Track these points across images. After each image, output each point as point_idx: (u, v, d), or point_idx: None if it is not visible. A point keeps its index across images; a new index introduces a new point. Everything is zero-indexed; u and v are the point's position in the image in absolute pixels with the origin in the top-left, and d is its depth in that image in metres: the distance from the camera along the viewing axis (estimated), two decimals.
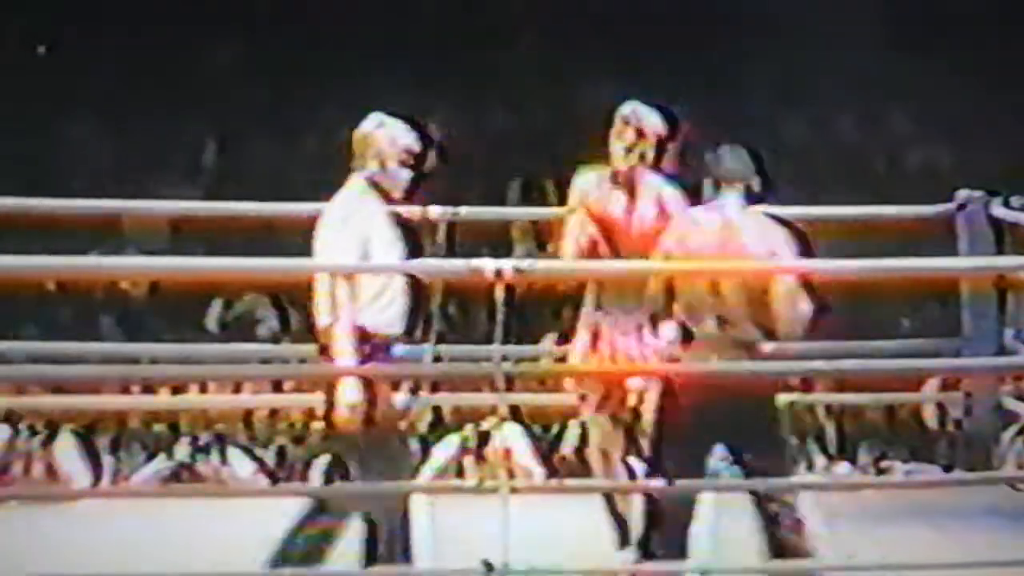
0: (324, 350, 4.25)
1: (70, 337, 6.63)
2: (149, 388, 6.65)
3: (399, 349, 4.35)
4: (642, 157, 4.74)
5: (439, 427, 7.48)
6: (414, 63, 9.07)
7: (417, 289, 4.38)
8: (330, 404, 4.18)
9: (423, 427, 7.57)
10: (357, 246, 4.28)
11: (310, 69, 9.10)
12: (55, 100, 9.06)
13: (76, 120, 9.20)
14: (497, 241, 7.88)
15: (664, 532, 4.43)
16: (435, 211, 5.78)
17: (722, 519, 4.52)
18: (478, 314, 7.95)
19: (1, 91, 8.86)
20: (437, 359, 5.72)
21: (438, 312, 5.97)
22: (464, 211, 5.89)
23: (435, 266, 4.85)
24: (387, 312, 4.28)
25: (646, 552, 4.44)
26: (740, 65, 9.09)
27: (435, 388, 6.95)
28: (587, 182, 4.80)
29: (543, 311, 7.97)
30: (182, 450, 6.97)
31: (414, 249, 4.43)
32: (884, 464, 7.40)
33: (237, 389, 7.14)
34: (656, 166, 4.78)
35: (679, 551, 4.38)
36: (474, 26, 9.36)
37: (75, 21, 9.20)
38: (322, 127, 8.54)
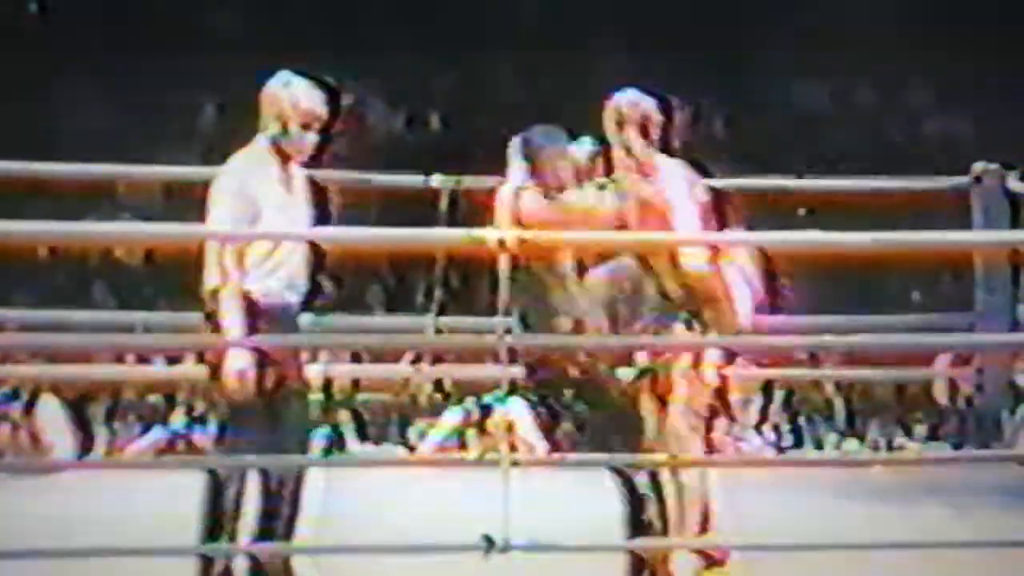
0: (210, 316, 4.17)
1: (63, 304, 6.51)
2: (144, 358, 6.55)
3: (304, 317, 4.31)
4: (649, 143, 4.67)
5: (441, 399, 7.40)
6: (418, 29, 8.93)
7: (315, 255, 4.28)
8: (216, 369, 4.11)
9: (423, 399, 7.49)
10: (246, 209, 4.18)
11: (311, 33, 8.96)
12: (48, 61, 8.91)
13: (70, 82, 9.06)
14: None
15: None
16: (437, 180, 5.68)
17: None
18: (481, 285, 7.84)
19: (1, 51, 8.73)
20: (439, 331, 5.62)
21: (440, 283, 5.87)
22: (467, 180, 5.78)
23: (436, 235, 4.76)
24: (274, 276, 4.21)
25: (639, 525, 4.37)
26: (758, 36, 8.95)
27: (437, 360, 6.86)
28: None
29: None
30: (178, 420, 6.88)
31: (320, 215, 4.34)
32: (897, 442, 7.33)
33: None
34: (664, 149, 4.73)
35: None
36: None
37: None
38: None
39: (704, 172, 4.67)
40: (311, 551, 4.08)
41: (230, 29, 9.39)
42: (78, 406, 6.45)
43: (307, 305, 4.32)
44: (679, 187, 4.57)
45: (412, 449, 7.35)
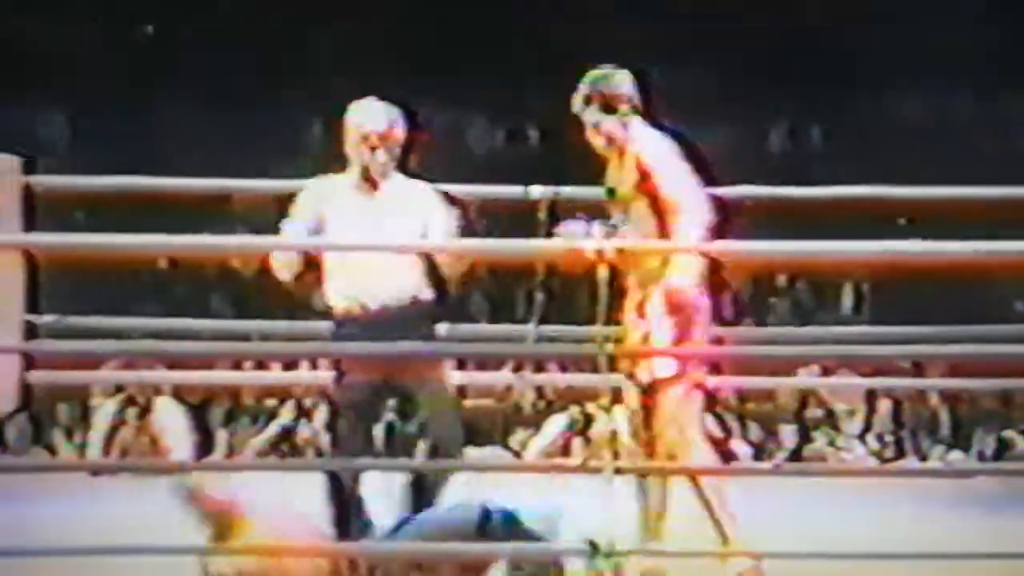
0: None
1: (183, 314, 6.75)
2: (261, 364, 6.76)
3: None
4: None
5: (543, 407, 7.49)
6: (518, 45, 9.07)
7: (430, 267, 4.46)
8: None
9: (527, 406, 7.60)
10: (309, 223, 4.50)
11: (411, 50, 9.14)
12: (162, 79, 9.21)
13: (183, 99, 9.35)
14: (599, 220, 7.85)
15: None
16: (536, 191, 5.80)
17: None
18: (581, 295, 7.94)
19: (110, 70, 9.03)
20: (540, 340, 5.73)
21: (540, 292, 5.98)
22: (566, 191, 5.89)
23: (536, 246, 4.87)
24: (351, 284, 4.42)
25: None
26: (850, 44, 8.96)
27: (539, 368, 6.96)
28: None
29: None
30: (286, 416, 7.06)
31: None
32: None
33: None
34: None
35: None
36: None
37: (181, 0, 9.34)
38: (428, 108, 8.59)
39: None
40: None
41: (334, 47, 9.62)
42: (198, 411, 6.67)
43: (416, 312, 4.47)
44: (658, 152, 4.40)
45: (517, 455, 7.47)
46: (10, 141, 7.88)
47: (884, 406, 7.92)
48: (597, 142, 4.56)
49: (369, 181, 4.55)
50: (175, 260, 7.88)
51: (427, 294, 4.51)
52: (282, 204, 8.45)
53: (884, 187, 6.03)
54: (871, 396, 7.83)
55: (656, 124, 4.56)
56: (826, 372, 7.64)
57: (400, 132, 4.56)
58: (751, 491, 4.56)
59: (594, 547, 4.05)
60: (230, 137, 9.22)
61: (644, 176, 4.44)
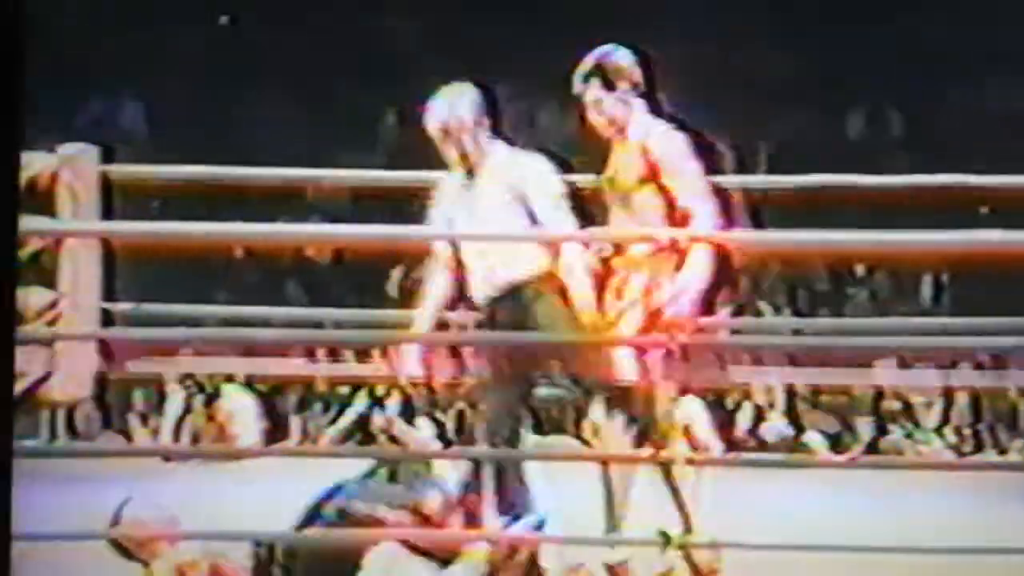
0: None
1: (257, 302, 6.81)
2: (334, 352, 6.80)
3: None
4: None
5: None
6: (589, 28, 9.01)
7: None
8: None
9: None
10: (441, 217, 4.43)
11: (488, 41, 9.13)
12: (238, 70, 9.28)
13: (258, 90, 9.42)
14: None
15: None
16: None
17: None
18: None
19: (185, 60, 9.11)
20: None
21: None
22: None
23: (601, 234, 4.80)
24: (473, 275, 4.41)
25: None
26: (940, 30, 8.76)
27: None
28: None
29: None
30: (361, 402, 7.10)
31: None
32: None
33: None
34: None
35: None
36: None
37: None
38: (503, 97, 8.57)
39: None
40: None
41: (409, 36, 9.63)
42: (269, 398, 6.73)
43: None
44: (670, 150, 4.28)
45: (587, 444, 7.45)
46: (89, 131, 8.00)
47: (962, 399, 7.79)
48: (598, 122, 4.43)
49: (467, 170, 4.52)
50: (250, 249, 7.94)
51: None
52: (355, 193, 8.52)
53: (965, 175, 5.91)
54: (948, 389, 7.71)
55: (659, 110, 4.43)
56: (903, 364, 7.53)
57: (469, 118, 4.50)
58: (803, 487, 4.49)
59: (666, 538, 4.02)
60: (305, 127, 9.28)
61: (653, 172, 4.34)
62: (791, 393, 7.72)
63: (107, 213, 6.03)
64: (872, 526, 4.58)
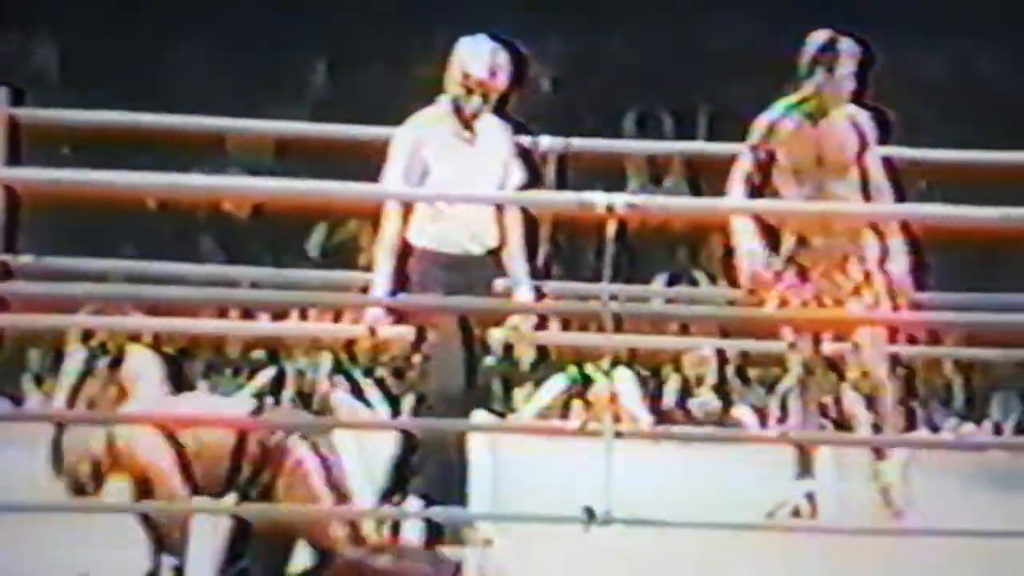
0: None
1: (170, 258, 6.56)
2: (249, 313, 6.57)
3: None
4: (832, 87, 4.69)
5: (544, 366, 7.32)
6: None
7: (527, 219, 4.46)
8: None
9: (526, 364, 7.43)
10: (414, 167, 4.36)
11: None
12: (166, 16, 8.98)
13: (185, 37, 9.12)
14: (610, 175, 7.65)
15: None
16: (546, 142, 5.58)
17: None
18: (587, 251, 7.73)
19: (113, 6, 8.80)
20: (542, 295, 5.53)
21: (547, 246, 5.77)
22: (576, 143, 5.67)
23: (544, 199, 4.69)
24: (452, 226, 4.35)
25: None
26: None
27: (540, 325, 6.76)
28: (775, 116, 4.74)
29: (655, 250, 7.75)
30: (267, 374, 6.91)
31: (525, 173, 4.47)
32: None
33: (337, 318, 7.04)
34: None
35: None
36: None
37: None
38: (433, 51, 8.34)
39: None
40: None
41: None
42: (176, 361, 6.46)
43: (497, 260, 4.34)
44: (874, 136, 4.65)
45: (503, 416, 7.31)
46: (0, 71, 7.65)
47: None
48: (815, 87, 4.74)
49: (463, 121, 4.40)
50: (164, 202, 7.66)
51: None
52: (278, 147, 8.24)
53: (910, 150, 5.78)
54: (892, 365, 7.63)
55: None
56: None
57: (503, 81, 4.41)
58: None
59: (590, 514, 3.88)
60: (228, 75, 8.98)
61: (862, 146, 4.71)
62: (722, 364, 7.61)
63: (13, 159, 5.74)
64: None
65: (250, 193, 6.48)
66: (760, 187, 4.70)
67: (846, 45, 4.73)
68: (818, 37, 4.76)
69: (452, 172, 4.38)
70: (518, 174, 4.51)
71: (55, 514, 3.86)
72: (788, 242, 4.75)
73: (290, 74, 9.15)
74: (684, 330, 6.98)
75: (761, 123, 4.77)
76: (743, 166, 4.73)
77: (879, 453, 4.62)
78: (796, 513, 4.52)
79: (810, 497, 4.56)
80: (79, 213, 6.26)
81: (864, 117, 4.78)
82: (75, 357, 6.10)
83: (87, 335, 6.44)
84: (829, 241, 4.66)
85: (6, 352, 6.20)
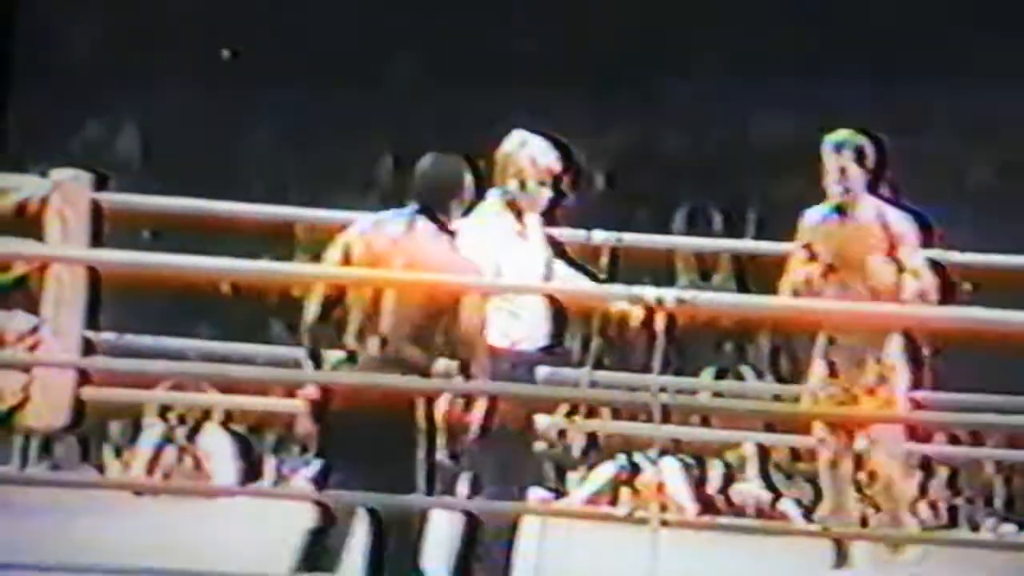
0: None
1: (242, 339, 6.78)
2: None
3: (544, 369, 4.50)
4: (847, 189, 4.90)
5: (594, 454, 7.44)
6: (590, 85, 9.06)
7: (553, 307, 4.49)
8: None
9: (576, 452, 7.55)
10: (490, 263, 4.38)
11: (486, 86, 9.17)
12: (238, 106, 9.30)
13: (257, 127, 9.43)
14: (660, 269, 7.83)
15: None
16: (599, 236, 5.79)
17: None
18: (637, 343, 7.90)
19: (185, 93, 9.13)
20: (593, 384, 5.71)
21: (597, 338, 5.95)
22: (628, 237, 5.87)
23: (597, 291, 4.86)
24: (516, 324, 4.41)
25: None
26: (942, 100, 8.72)
27: (591, 413, 6.92)
28: (813, 219, 4.97)
29: (704, 345, 7.88)
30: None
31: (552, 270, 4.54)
32: None
33: None
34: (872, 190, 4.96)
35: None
36: (650, 51, 9.32)
37: (260, 27, 9.43)
38: (496, 144, 8.58)
39: None
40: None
41: (408, 78, 9.66)
42: (246, 437, 6.69)
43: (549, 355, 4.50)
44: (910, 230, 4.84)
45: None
46: (86, 156, 7.99)
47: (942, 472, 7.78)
48: (833, 186, 4.87)
49: (517, 214, 4.55)
50: (237, 285, 7.94)
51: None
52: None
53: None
54: (928, 462, 7.70)
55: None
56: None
57: (561, 171, 4.59)
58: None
59: None
60: (298, 166, 9.29)
61: (893, 242, 4.91)
62: (764, 458, 7.72)
63: (96, 241, 6.04)
64: None
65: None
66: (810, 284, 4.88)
67: (857, 144, 4.92)
68: (832, 137, 4.95)
69: (515, 267, 4.46)
70: (561, 268, 4.59)
71: None
72: (821, 340, 4.92)
73: (356, 165, 9.44)
74: (729, 423, 7.12)
75: (803, 222, 4.98)
76: (795, 265, 4.92)
77: (896, 547, 4.72)
78: None
79: None
80: (158, 294, 6.54)
81: (896, 216, 4.93)
82: (151, 430, 6.34)
83: (164, 410, 6.66)
84: (851, 340, 4.83)
85: (88, 424, 6.47)
